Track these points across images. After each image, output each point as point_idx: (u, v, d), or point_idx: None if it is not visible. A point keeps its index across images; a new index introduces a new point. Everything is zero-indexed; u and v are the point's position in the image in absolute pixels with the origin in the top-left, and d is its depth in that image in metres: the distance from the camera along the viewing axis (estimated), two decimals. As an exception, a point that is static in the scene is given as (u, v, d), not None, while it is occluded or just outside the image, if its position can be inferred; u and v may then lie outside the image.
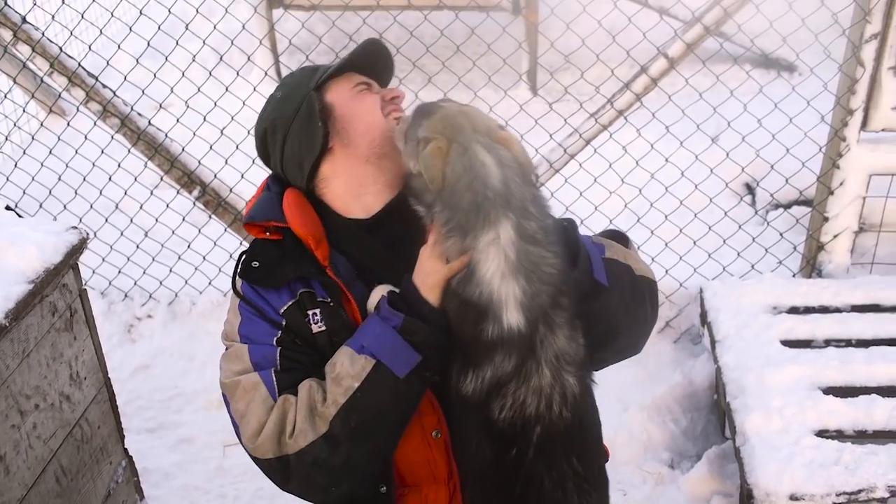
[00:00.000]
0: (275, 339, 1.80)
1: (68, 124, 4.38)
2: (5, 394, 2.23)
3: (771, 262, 4.16)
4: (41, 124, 4.63)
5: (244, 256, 1.87)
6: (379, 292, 1.78)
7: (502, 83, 4.56)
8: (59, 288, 2.48)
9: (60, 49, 3.83)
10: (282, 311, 1.82)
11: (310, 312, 1.81)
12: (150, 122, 3.96)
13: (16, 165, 4.36)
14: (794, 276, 4.10)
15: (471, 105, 1.86)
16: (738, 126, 4.14)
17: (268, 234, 1.88)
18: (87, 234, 2.59)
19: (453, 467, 1.87)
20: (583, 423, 1.73)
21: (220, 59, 4.42)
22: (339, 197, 1.90)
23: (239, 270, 1.86)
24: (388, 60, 2.00)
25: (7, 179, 4.35)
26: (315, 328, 1.81)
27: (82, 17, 4.11)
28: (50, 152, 4.32)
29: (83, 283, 2.66)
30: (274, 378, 1.75)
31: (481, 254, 1.62)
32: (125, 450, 2.90)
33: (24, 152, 4.45)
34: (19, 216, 3.68)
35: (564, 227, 1.82)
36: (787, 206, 4.62)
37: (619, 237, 2.03)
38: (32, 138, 4.52)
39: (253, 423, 1.73)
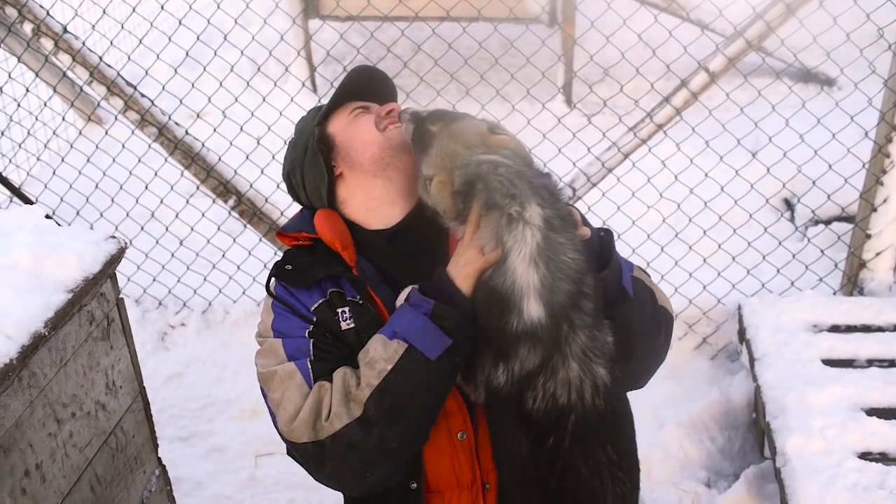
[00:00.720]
0: (307, 331, 1.88)
1: (106, 133, 4.41)
2: (43, 402, 2.23)
3: (811, 280, 4.09)
4: (79, 132, 4.66)
5: (278, 261, 1.98)
6: (408, 290, 1.84)
7: (540, 96, 4.53)
8: (97, 297, 2.48)
9: (100, 59, 3.87)
10: (313, 308, 1.90)
11: (339, 310, 1.90)
12: (187, 131, 3.99)
13: (54, 173, 4.39)
14: (834, 293, 4.04)
15: (458, 118, 1.93)
16: (778, 141, 4.08)
17: (300, 241, 2.01)
18: (126, 243, 2.59)
19: (476, 472, 1.92)
20: (616, 412, 1.77)
21: (258, 69, 4.44)
22: (359, 213, 2.02)
23: (273, 272, 1.96)
24: (381, 81, 2.12)
25: (45, 187, 4.39)
26: (344, 325, 1.88)
27: (122, 26, 4.14)
28: (88, 160, 4.36)
29: (119, 291, 2.67)
30: (309, 366, 1.82)
31: (512, 238, 1.68)
32: (159, 459, 2.89)
33: (63, 160, 4.49)
34: (58, 225, 3.71)
35: (601, 236, 1.89)
36: (828, 223, 4.55)
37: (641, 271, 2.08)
38: (71, 146, 4.55)
39: (289, 408, 1.79)
